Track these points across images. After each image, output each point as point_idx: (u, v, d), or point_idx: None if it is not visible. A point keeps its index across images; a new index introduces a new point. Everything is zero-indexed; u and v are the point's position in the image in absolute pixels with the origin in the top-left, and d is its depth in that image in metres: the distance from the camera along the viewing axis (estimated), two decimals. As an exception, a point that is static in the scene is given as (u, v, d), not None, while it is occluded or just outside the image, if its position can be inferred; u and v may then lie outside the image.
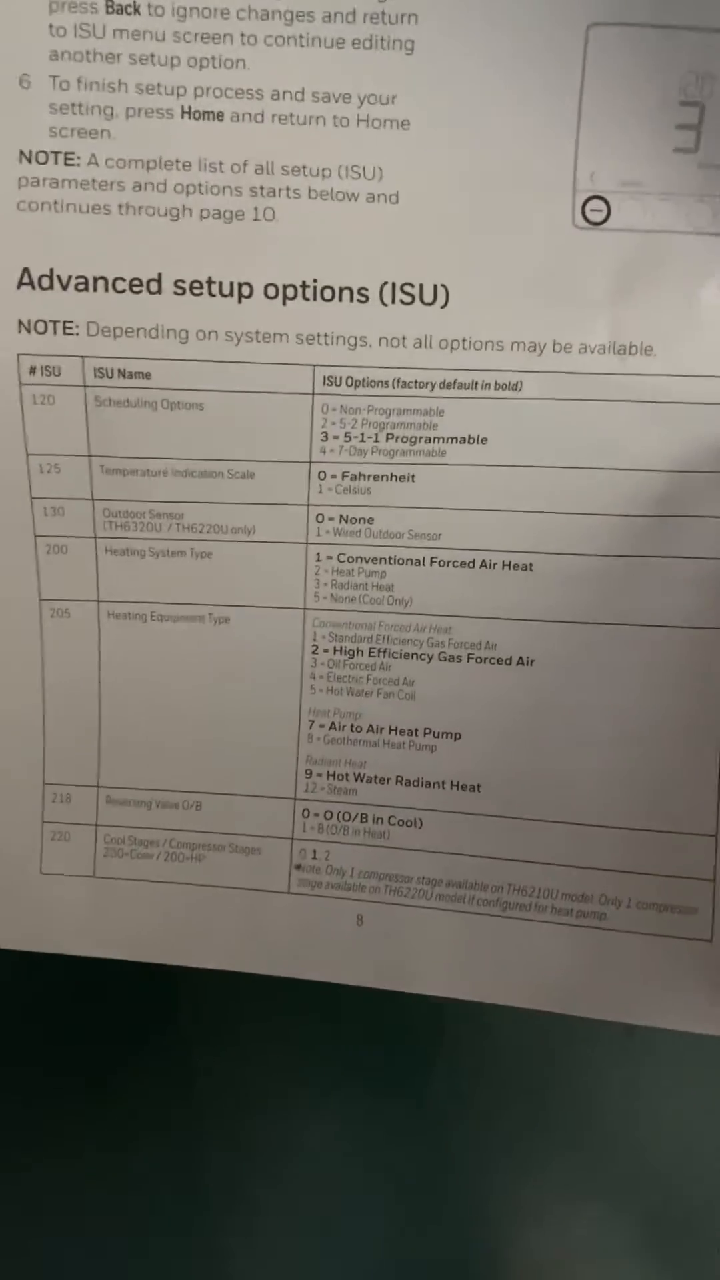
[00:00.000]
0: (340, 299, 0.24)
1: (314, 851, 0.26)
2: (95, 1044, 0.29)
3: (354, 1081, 0.29)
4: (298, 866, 0.26)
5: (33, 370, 0.24)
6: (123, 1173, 0.29)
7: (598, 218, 0.23)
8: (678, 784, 0.24)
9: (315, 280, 0.24)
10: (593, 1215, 0.28)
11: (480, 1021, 0.27)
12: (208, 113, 0.23)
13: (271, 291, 0.24)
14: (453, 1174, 0.29)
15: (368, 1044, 0.28)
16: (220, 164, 0.23)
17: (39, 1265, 0.30)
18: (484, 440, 0.24)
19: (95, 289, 0.24)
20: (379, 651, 0.26)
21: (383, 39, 0.23)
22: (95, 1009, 0.28)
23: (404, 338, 0.24)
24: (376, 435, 0.25)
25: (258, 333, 0.24)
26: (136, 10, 0.23)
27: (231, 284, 0.24)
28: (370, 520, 0.25)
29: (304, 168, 0.23)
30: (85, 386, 0.24)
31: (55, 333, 0.24)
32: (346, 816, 0.26)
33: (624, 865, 0.25)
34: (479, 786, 0.25)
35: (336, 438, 0.24)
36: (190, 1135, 0.29)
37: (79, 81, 0.23)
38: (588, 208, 0.23)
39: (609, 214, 0.23)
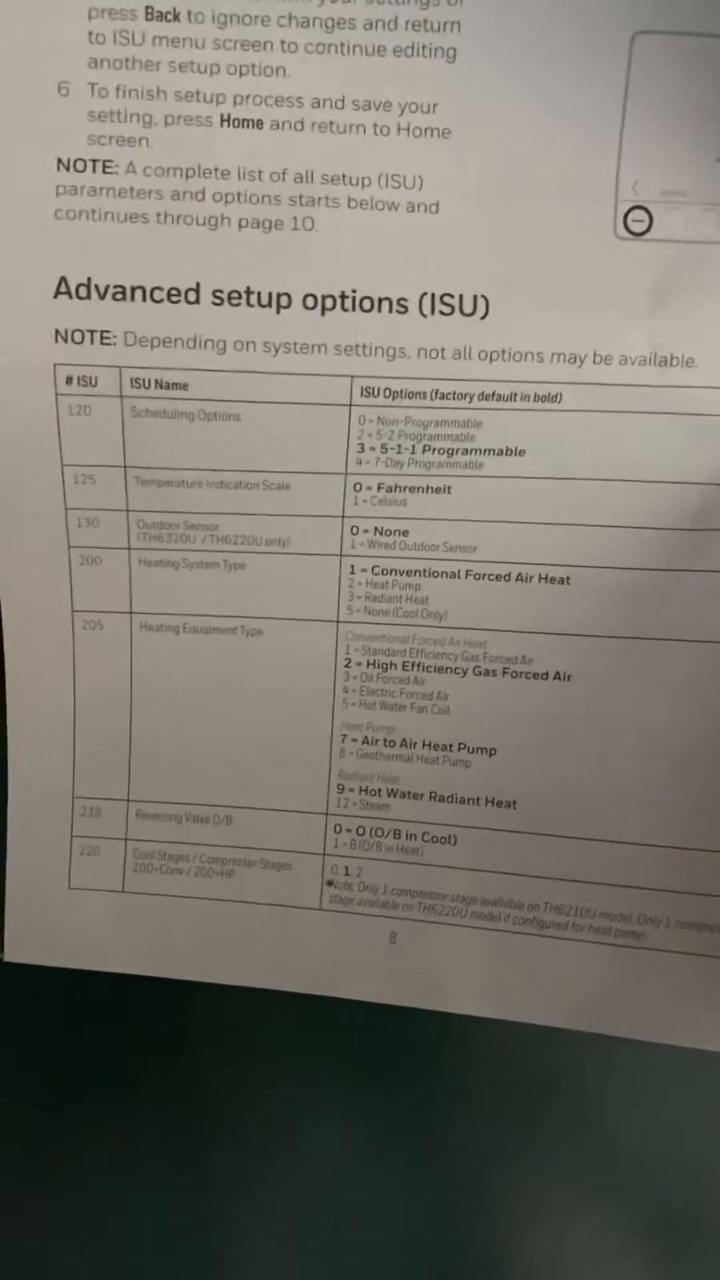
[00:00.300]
0: (379, 310, 0.23)
1: (346, 868, 0.26)
2: (98, 1043, 0.29)
3: (356, 1081, 0.28)
4: (329, 883, 0.26)
5: (69, 380, 0.24)
6: (124, 1171, 0.29)
7: (640, 228, 0.23)
8: (717, 801, 0.24)
9: (354, 291, 0.23)
10: (594, 1214, 0.28)
11: (483, 1021, 0.26)
12: (247, 121, 0.23)
13: (310, 302, 0.23)
14: (454, 1173, 0.28)
15: (370, 1043, 0.28)
16: (259, 173, 0.23)
17: (39, 1266, 0.29)
18: (522, 452, 0.24)
19: (133, 299, 0.23)
20: (413, 665, 0.25)
21: (424, 47, 0.22)
22: (97, 1007, 0.28)
23: (443, 349, 0.24)
24: (413, 447, 0.24)
25: (296, 344, 0.24)
26: (176, 17, 0.22)
27: (270, 294, 0.23)
28: (405, 533, 0.25)
29: (344, 176, 0.23)
30: (122, 397, 0.24)
31: (92, 343, 0.24)
32: (379, 832, 0.26)
33: (662, 884, 0.24)
34: (514, 803, 0.25)
35: (373, 449, 0.24)
36: (191, 1134, 0.29)
37: (118, 89, 0.23)
38: (630, 218, 0.23)
39: (651, 224, 0.23)
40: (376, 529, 0.25)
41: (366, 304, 0.23)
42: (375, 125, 0.23)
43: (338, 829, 0.26)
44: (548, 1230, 0.28)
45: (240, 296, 0.23)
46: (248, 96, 0.23)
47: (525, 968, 0.25)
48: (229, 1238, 0.29)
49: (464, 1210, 0.28)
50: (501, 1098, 0.28)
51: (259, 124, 0.23)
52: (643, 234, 0.23)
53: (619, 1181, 0.28)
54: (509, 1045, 0.27)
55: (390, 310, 0.23)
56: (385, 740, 0.25)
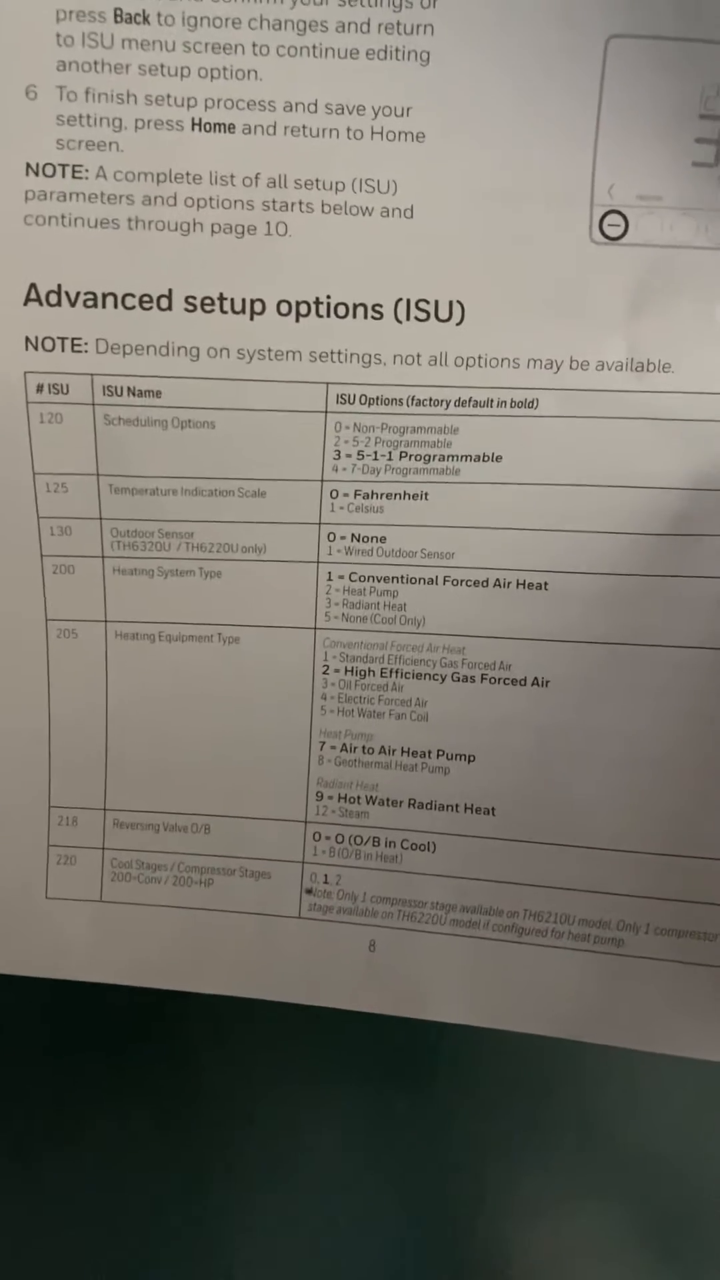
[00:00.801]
0: (354, 315, 0.23)
1: (325, 876, 0.26)
2: (96, 1038, 0.29)
3: (355, 1080, 0.28)
4: (309, 891, 0.26)
5: (40, 388, 0.23)
6: (122, 1168, 0.29)
7: (616, 233, 0.23)
8: (696, 808, 0.24)
9: (329, 296, 0.23)
10: (593, 1214, 0.28)
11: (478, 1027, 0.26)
12: (219, 125, 0.22)
13: (284, 308, 0.23)
14: (453, 1172, 0.28)
15: (369, 1042, 0.28)
16: (232, 177, 0.23)
17: (37, 1264, 0.29)
18: (499, 458, 0.24)
19: (104, 305, 0.23)
20: (391, 672, 0.25)
21: (398, 50, 0.22)
22: (95, 1003, 0.28)
23: (419, 355, 0.23)
24: (390, 453, 0.24)
25: (270, 350, 0.23)
26: (146, 20, 0.22)
27: (244, 300, 0.23)
28: (383, 539, 0.25)
29: (317, 181, 0.23)
30: (94, 405, 0.24)
31: (63, 350, 0.23)
32: (358, 840, 0.26)
33: (642, 890, 0.24)
34: (493, 809, 0.25)
35: (349, 456, 0.24)
36: (190, 1135, 0.29)
37: (87, 93, 0.22)
38: (606, 222, 0.23)
39: (627, 229, 0.23)
40: (354, 535, 0.25)
41: (341, 310, 0.23)
42: (349, 129, 0.23)
43: (317, 837, 0.26)
44: (547, 1230, 0.28)
45: (213, 303, 0.23)
46: (219, 100, 0.22)
47: (504, 975, 0.25)
48: (229, 1234, 0.29)
49: (463, 1209, 0.28)
50: (500, 1097, 0.28)
51: (231, 128, 0.22)
52: (619, 239, 0.23)
53: (618, 1181, 0.28)
54: (509, 1044, 0.27)
55: (365, 316, 0.23)
56: (364, 747, 0.25)
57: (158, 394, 0.24)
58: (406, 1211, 0.29)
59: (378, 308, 0.23)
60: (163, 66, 0.22)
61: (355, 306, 0.23)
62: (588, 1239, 0.28)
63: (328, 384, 0.24)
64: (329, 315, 0.23)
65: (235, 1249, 0.29)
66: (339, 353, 0.23)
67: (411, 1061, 0.28)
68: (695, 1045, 0.24)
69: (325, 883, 0.26)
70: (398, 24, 0.22)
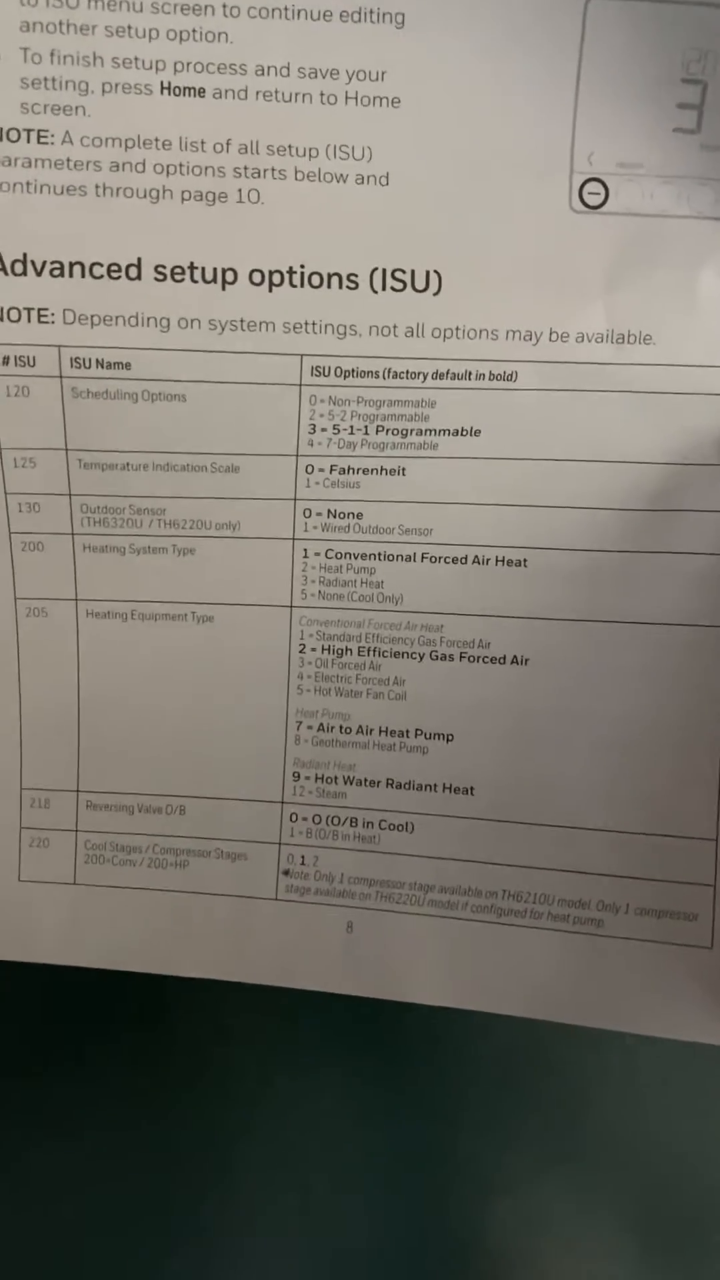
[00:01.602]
0: (329, 285, 0.23)
1: (302, 857, 0.25)
2: (85, 1024, 0.28)
3: (349, 1076, 0.28)
4: (285, 872, 0.25)
5: (6, 360, 0.23)
6: (113, 1158, 0.29)
7: (596, 201, 0.22)
8: (676, 787, 0.24)
9: (302, 266, 0.23)
10: (590, 1202, 0.28)
11: (476, 1015, 0.26)
12: (189, 89, 0.22)
13: (257, 278, 0.23)
14: (446, 1168, 0.28)
15: (363, 1038, 0.28)
16: (202, 143, 0.22)
17: (31, 1257, 0.29)
18: (477, 432, 0.24)
19: (71, 275, 0.23)
20: (368, 650, 0.25)
21: (372, 12, 0.22)
22: (83, 988, 0.28)
23: (395, 326, 0.23)
24: (366, 427, 0.24)
25: (242, 321, 0.23)
26: (112, -21, 0.21)
27: (215, 270, 0.23)
28: (359, 515, 0.24)
29: (290, 147, 0.22)
30: (62, 377, 0.23)
31: (30, 321, 0.23)
32: (336, 820, 0.25)
33: (621, 870, 0.24)
34: (472, 789, 0.25)
35: (325, 430, 0.24)
36: (181, 1124, 0.29)
37: (52, 55, 0.22)
38: (585, 190, 0.22)
39: (607, 197, 0.23)
40: (330, 512, 0.24)
41: (315, 280, 0.23)
42: (322, 94, 0.22)
43: (294, 818, 0.25)
44: (546, 1229, 0.28)
45: (184, 272, 0.23)
46: (189, 63, 0.22)
47: (485, 956, 0.25)
48: (220, 1225, 0.29)
49: (461, 1206, 0.28)
50: (495, 1092, 0.28)
51: (201, 92, 0.22)
52: (599, 207, 0.23)
53: (615, 1176, 0.28)
54: (504, 1037, 0.27)
55: (340, 286, 0.23)
56: (341, 727, 0.25)
57: (127, 366, 0.23)
58: (403, 1208, 0.28)
59: (353, 277, 0.23)
60: (130, 28, 0.22)
61: (330, 276, 0.23)
62: (587, 1238, 0.28)
63: (302, 356, 0.23)
64: (303, 285, 0.23)
65: (230, 1248, 0.29)
66: (313, 324, 0.23)
67: (406, 1056, 0.28)
68: (676, 1026, 0.24)
69: (302, 864, 0.25)
70: (374, -16, 0.22)
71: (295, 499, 0.24)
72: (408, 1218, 0.28)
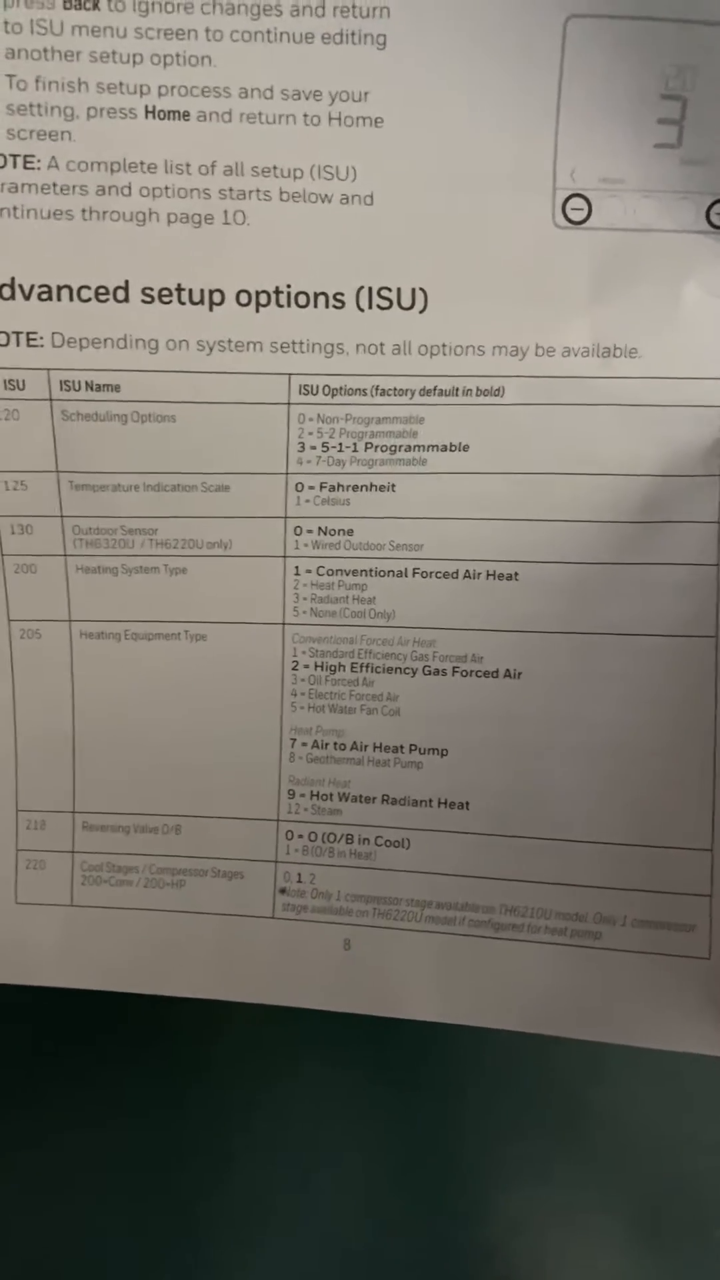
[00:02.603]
0: (315, 305, 0.23)
1: (299, 874, 0.25)
2: (82, 1025, 0.28)
3: (350, 1077, 0.28)
4: (282, 890, 0.25)
5: (-5, 384, 0.23)
6: (108, 1153, 0.29)
7: (579, 216, 0.23)
8: (672, 797, 0.24)
9: (289, 286, 0.23)
10: (590, 1210, 0.28)
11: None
12: (173, 112, 0.22)
13: (244, 298, 0.23)
14: (447, 1169, 0.28)
15: (363, 1038, 0.28)
16: (187, 165, 0.22)
17: (32, 1259, 0.29)
18: (466, 448, 0.24)
19: (59, 298, 0.23)
20: (361, 666, 0.25)
21: (353, 33, 0.22)
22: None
23: (382, 344, 0.23)
24: (355, 445, 0.24)
25: (230, 341, 0.23)
26: (96, 5, 0.22)
27: (202, 291, 0.23)
28: (350, 532, 0.24)
29: (274, 168, 0.22)
30: (51, 400, 0.23)
31: (18, 344, 0.23)
32: (331, 838, 0.25)
33: (618, 882, 0.24)
34: (467, 804, 0.25)
35: (314, 448, 0.24)
36: (179, 1122, 0.29)
37: (37, 81, 0.22)
38: (568, 206, 0.23)
39: (590, 212, 0.23)
40: (320, 529, 0.24)
41: (302, 299, 0.23)
42: (305, 115, 0.22)
43: (289, 835, 0.25)
44: (548, 1229, 0.28)
45: (171, 294, 0.23)
46: (173, 87, 0.22)
47: (481, 971, 0.25)
48: (222, 1236, 0.29)
49: (463, 1207, 0.28)
50: (493, 1090, 0.28)
51: (185, 115, 0.22)
52: (582, 222, 0.23)
53: (612, 1174, 0.28)
54: (502, 1037, 0.26)
55: (327, 305, 0.23)
56: (335, 743, 0.25)
57: (116, 388, 0.23)
58: (399, 1204, 0.28)
59: (339, 296, 0.23)
60: (114, 53, 0.22)
61: (316, 296, 0.23)
62: (586, 1226, 0.28)
63: (290, 375, 0.23)
64: (290, 305, 0.23)
65: (226, 1251, 0.29)
66: (301, 343, 0.23)
67: (404, 1055, 0.28)
68: (675, 1037, 0.24)
69: (299, 882, 0.25)
70: (353, 7, 0.22)
71: (286, 517, 0.24)
72: (409, 1218, 0.28)
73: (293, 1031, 0.28)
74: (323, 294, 0.23)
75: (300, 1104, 0.28)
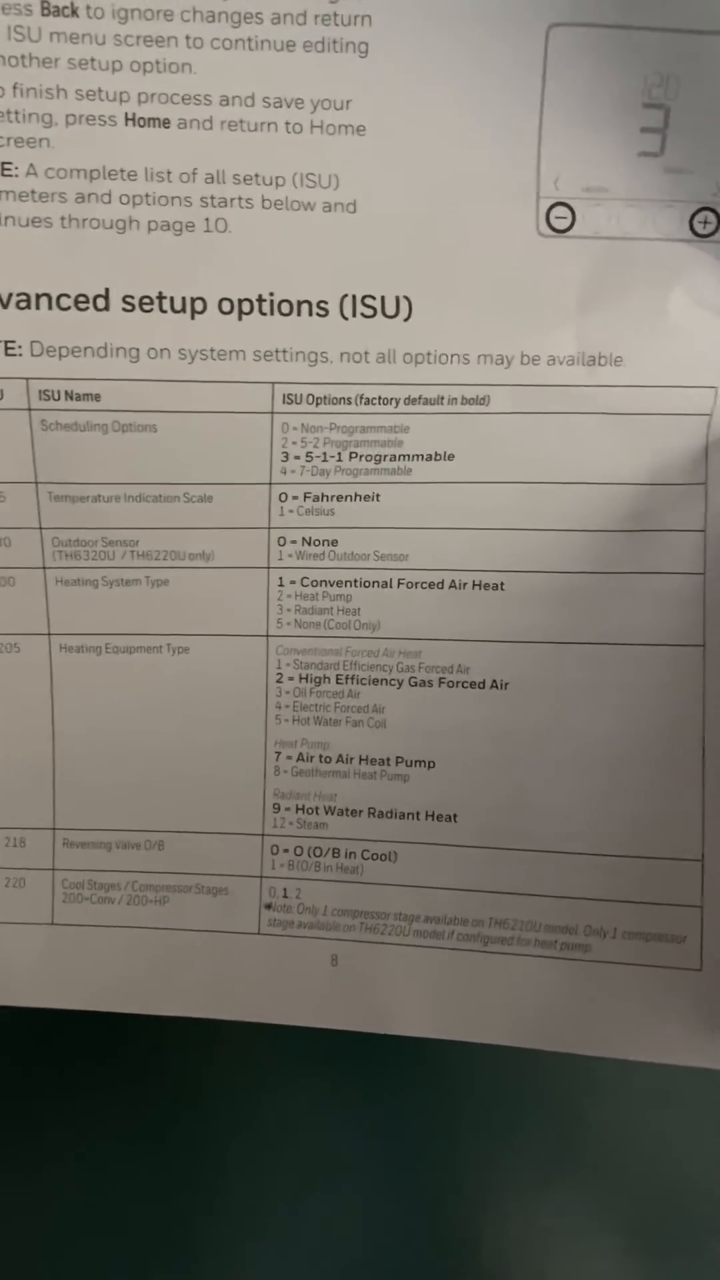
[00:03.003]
0: (299, 313, 0.23)
1: (285, 890, 0.25)
2: (73, 1037, 0.28)
3: (341, 1091, 0.28)
4: (268, 906, 0.25)
5: (-27, 394, 0.23)
6: (99, 1173, 0.28)
7: (563, 225, 0.23)
8: (660, 808, 0.24)
9: (272, 294, 0.23)
10: (586, 1220, 0.28)
11: None
12: (153, 119, 0.22)
13: (226, 306, 0.23)
14: (443, 1179, 0.28)
15: (355, 1053, 0.27)
16: (168, 173, 0.22)
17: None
18: (451, 457, 0.23)
19: (38, 306, 0.22)
20: (347, 678, 0.24)
21: (335, 41, 0.22)
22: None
23: (366, 352, 0.23)
24: (339, 454, 0.23)
25: (213, 350, 0.23)
26: (74, 12, 0.21)
27: (184, 299, 0.23)
28: (334, 542, 0.24)
29: (256, 176, 0.22)
30: (30, 410, 0.23)
31: None
32: (318, 852, 0.25)
33: (608, 894, 0.24)
34: (455, 816, 0.24)
35: (298, 458, 0.23)
36: (170, 1142, 0.28)
37: (15, 88, 0.22)
38: (552, 214, 0.23)
39: (574, 221, 0.23)
40: (305, 539, 0.24)
41: (285, 307, 0.23)
42: (287, 123, 0.22)
43: (275, 850, 0.25)
44: (544, 1239, 0.28)
45: (152, 302, 0.23)
46: (153, 94, 0.22)
47: (470, 986, 0.24)
48: (213, 1256, 0.28)
49: (458, 1217, 0.28)
50: (491, 1111, 0.28)
51: (166, 123, 0.22)
52: (566, 231, 0.23)
53: (615, 1186, 0.28)
54: (499, 1057, 0.26)
55: (310, 313, 0.23)
56: (321, 756, 0.25)
57: (96, 397, 0.23)
58: (399, 1210, 0.28)
59: (323, 305, 0.23)
60: (93, 60, 0.22)
61: (299, 304, 0.23)
62: (583, 1237, 0.28)
63: (273, 384, 0.23)
64: (272, 313, 0.23)
65: (220, 1255, 0.28)
66: (284, 351, 0.23)
67: (400, 1064, 0.27)
68: (666, 1050, 0.24)
69: (285, 897, 0.25)
70: (334, 15, 0.22)
71: (269, 527, 0.24)
72: (404, 1234, 0.28)
73: (284, 1049, 0.27)
74: (306, 302, 0.23)
75: (293, 1122, 0.28)
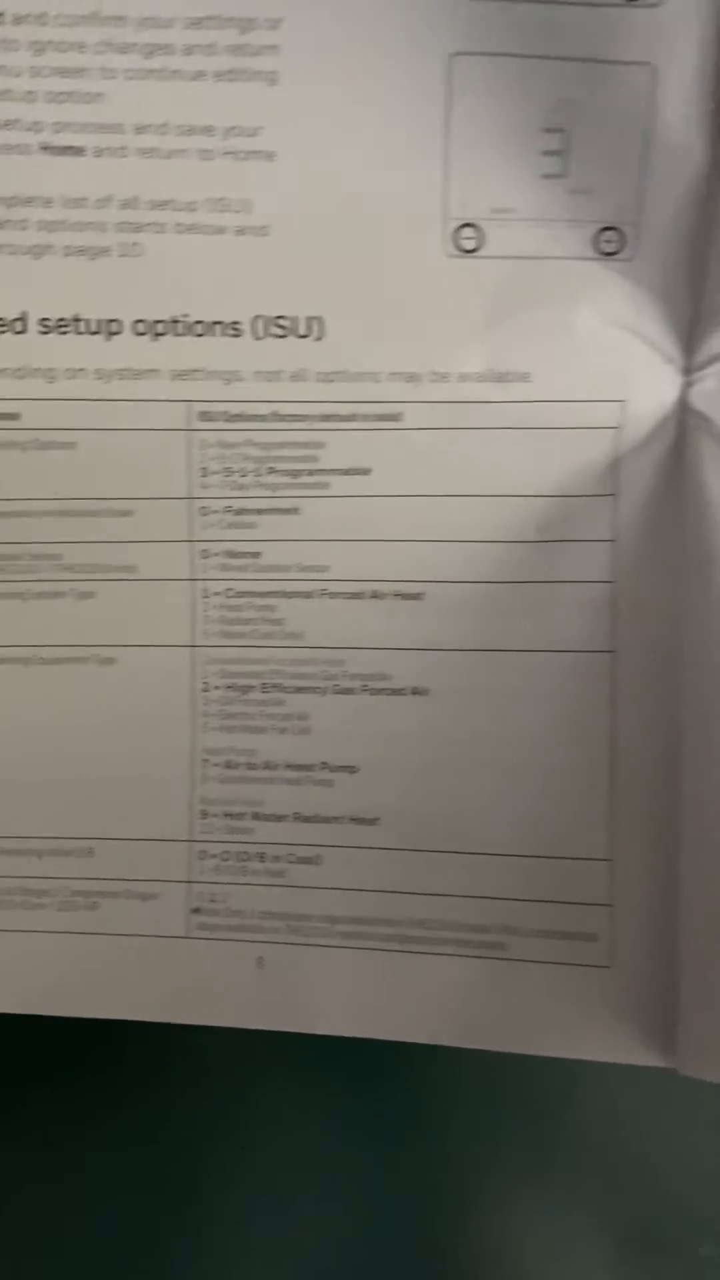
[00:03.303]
0: (212, 334, 0.23)
1: (212, 894, 0.25)
2: (61, 1049, 0.28)
3: (330, 1093, 0.28)
4: (196, 910, 0.26)
5: None
6: (98, 1181, 0.29)
7: (470, 245, 0.23)
8: (572, 809, 0.24)
9: (186, 315, 0.23)
10: (572, 1226, 0.28)
11: None
12: (68, 148, 0.23)
13: (141, 328, 0.23)
14: (429, 1185, 0.28)
15: (338, 1062, 0.28)
16: (84, 200, 0.23)
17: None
18: (367, 471, 0.24)
19: None
20: (272, 687, 0.25)
21: (245, 70, 0.22)
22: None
23: (280, 371, 0.24)
24: (258, 469, 0.24)
25: (129, 370, 0.23)
26: (-10, 45, 0.22)
27: (99, 321, 0.23)
28: (257, 554, 0.25)
29: (170, 202, 0.23)
30: None
31: None
32: (244, 856, 0.25)
33: (522, 894, 0.24)
34: (377, 820, 0.25)
35: (216, 473, 0.24)
36: (152, 1155, 0.29)
37: None
38: (460, 235, 0.23)
39: (481, 241, 0.23)
40: (227, 552, 0.25)
41: (199, 328, 0.23)
42: (199, 150, 0.23)
43: (202, 855, 0.25)
44: (530, 1245, 0.28)
45: (69, 324, 0.23)
46: (68, 124, 0.22)
47: (391, 985, 0.25)
48: (198, 1269, 0.29)
49: (444, 1221, 0.28)
50: (476, 1119, 0.28)
51: (80, 151, 0.23)
52: (474, 251, 0.23)
53: (595, 1187, 0.28)
54: (483, 1065, 0.27)
55: (224, 334, 0.23)
56: (247, 763, 0.25)
57: (16, 416, 0.23)
58: (386, 1229, 0.28)
59: (236, 325, 0.23)
60: (9, 91, 0.22)
61: (213, 325, 0.23)
62: (568, 1243, 0.28)
63: (189, 402, 0.24)
64: (187, 334, 0.23)
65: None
66: (199, 371, 0.24)
67: (386, 1072, 0.28)
68: (579, 1046, 0.24)
69: (212, 901, 0.25)
70: (244, 45, 0.22)
71: (191, 540, 0.24)
72: (390, 1243, 0.28)
73: (271, 1051, 0.28)
74: (219, 323, 0.23)
75: (282, 1125, 0.28)
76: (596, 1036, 0.24)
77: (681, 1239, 0.28)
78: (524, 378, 0.24)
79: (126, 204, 0.23)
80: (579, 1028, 0.24)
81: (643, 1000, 0.24)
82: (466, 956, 0.25)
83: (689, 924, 0.24)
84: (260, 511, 0.24)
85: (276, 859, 0.25)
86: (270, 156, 0.23)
